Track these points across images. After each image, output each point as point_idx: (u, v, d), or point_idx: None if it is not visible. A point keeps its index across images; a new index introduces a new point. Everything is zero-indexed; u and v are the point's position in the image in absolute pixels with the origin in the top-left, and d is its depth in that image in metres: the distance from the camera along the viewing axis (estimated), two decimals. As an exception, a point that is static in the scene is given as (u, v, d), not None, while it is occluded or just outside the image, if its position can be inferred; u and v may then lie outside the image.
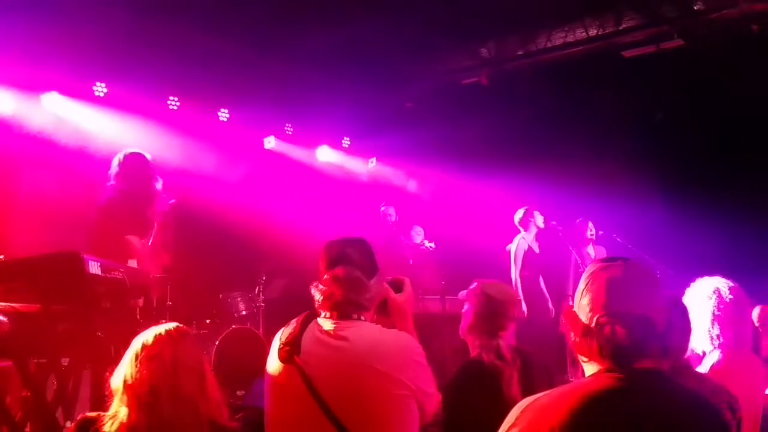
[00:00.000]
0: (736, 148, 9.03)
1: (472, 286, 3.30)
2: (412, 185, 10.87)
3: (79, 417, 2.37)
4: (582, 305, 1.83)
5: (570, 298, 7.67)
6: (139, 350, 2.42)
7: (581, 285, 1.86)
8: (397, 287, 2.70)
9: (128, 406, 2.33)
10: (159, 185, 5.54)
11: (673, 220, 8.66)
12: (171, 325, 2.53)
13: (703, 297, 3.10)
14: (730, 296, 3.09)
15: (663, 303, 1.82)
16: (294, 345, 2.44)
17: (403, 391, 2.40)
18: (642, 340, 1.74)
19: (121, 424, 2.30)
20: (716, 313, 3.06)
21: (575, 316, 1.84)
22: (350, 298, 2.52)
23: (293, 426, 2.41)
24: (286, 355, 2.43)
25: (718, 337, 3.06)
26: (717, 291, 3.11)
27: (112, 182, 5.47)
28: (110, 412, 2.35)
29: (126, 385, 2.35)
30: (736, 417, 2.64)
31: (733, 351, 3.04)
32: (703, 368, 3.01)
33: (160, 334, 2.47)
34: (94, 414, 2.37)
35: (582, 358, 1.85)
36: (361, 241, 2.65)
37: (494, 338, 3.14)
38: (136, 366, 2.39)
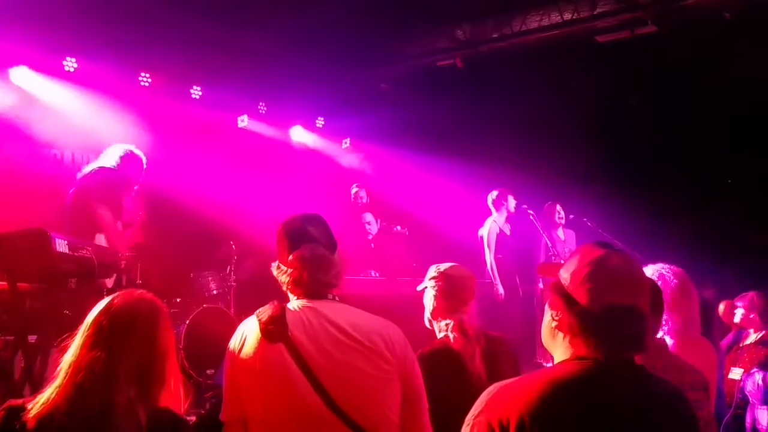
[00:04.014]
0: (706, 133, 9.15)
1: (429, 273, 3.33)
2: (355, 160, 10.82)
3: (5, 405, 2.18)
4: (582, 289, 1.79)
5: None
6: (89, 321, 2.24)
7: (581, 268, 1.81)
8: None
9: (58, 386, 2.16)
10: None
11: (643, 204, 8.77)
12: (135, 293, 2.32)
13: None
14: (675, 280, 3.12)
15: (648, 292, 1.85)
16: (280, 324, 2.39)
17: (386, 366, 2.40)
18: (641, 332, 1.78)
19: (42, 407, 2.11)
20: (663, 298, 3.08)
21: (569, 295, 1.81)
22: (319, 278, 2.49)
23: (284, 406, 2.35)
24: (273, 335, 2.37)
25: (666, 322, 3.06)
26: (661, 276, 3.13)
27: (110, 166, 5.63)
28: (39, 396, 2.17)
29: (66, 363, 2.18)
30: (709, 396, 2.69)
31: (682, 335, 3.07)
32: None
33: (117, 304, 2.25)
34: (19, 401, 2.18)
35: (552, 343, 1.86)
36: (317, 217, 2.61)
37: (457, 314, 3.18)
38: (81, 339, 2.21)
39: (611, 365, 1.75)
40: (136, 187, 5.87)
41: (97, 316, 2.24)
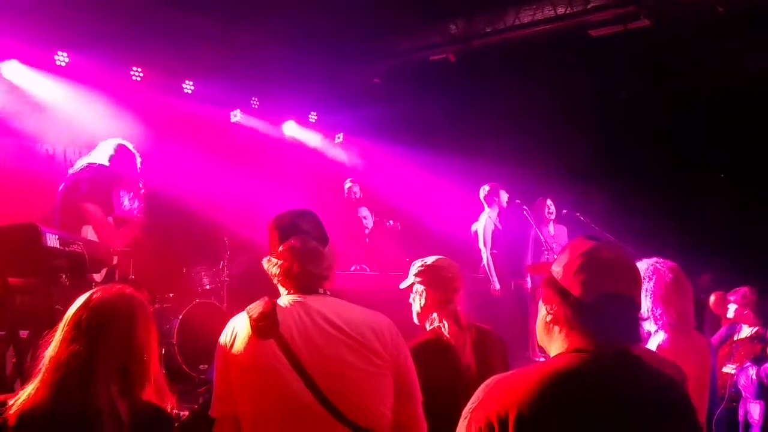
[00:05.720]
0: (700, 127, 9.17)
1: (413, 269, 3.29)
2: (348, 154, 10.80)
3: None
4: (576, 280, 1.80)
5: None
6: (68, 317, 2.20)
7: (573, 261, 1.81)
8: None
9: (39, 382, 2.11)
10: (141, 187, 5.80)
11: (636, 199, 8.79)
12: (114, 288, 2.28)
13: (643, 278, 3.11)
14: (670, 275, 3.12)
15: (640, 282, 1.87)
16: (271, 319, 2.36)
17: (378, 360, 2.39)
18: (635, 321, 1.81)
19: (23, 403, 2.07)
20: (657, 292, 3.09)
21: (563, 288, 1.81)
22: (309, 270, 2.47)
23: (276, 402, 2.33)
24: (263, 330, 2.35)
25: (661, 316, 3.09)
26: (655, 271, 3.14)
27: (100, 162, 5.55)
28: (20, 392, 2.12)
29: (46, 359, 2.14)
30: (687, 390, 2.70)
31: (677, 330, 3.08)
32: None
33: (96, 299, 2.22)
34: (1, 397, 2.13)
35: (548, 338, 1.85)
36: (309, 212, 2.60)
37: (450, 304, 3.15)
38: (60, 335, 2.17)
39: (608, 356, 1.74)
40: (142, 191, 5.80)
41: (76, 311, 2.21)
